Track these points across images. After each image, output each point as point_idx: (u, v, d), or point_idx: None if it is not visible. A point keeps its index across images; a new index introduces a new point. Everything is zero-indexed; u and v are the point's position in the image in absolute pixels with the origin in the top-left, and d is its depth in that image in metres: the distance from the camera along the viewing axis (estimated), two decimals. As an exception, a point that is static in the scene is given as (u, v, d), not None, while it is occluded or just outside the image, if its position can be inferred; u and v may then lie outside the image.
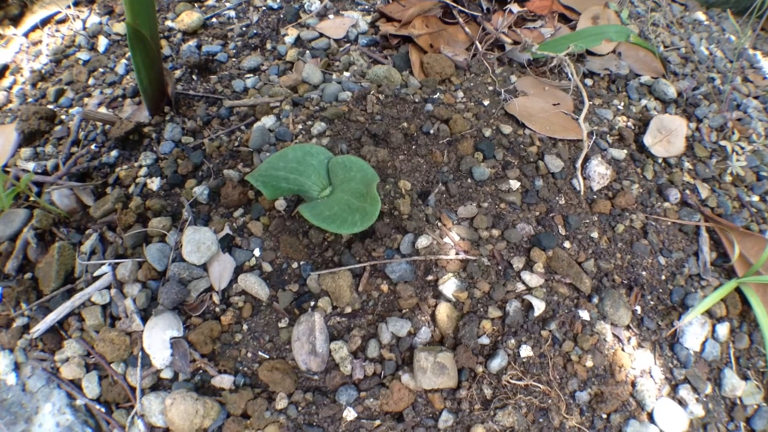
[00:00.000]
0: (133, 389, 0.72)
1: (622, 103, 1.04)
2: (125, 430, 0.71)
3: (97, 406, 0.72)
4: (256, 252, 0.77)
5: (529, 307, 0.74)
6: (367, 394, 0.69)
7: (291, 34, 1.08)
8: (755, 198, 0.98)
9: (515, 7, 1.13)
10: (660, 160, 0.97)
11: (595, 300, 0.77)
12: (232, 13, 1.14)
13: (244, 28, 1.11)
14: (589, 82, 1.07)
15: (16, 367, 0.75)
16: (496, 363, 0.69)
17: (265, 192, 0.70)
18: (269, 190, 0.71)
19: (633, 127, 1.00)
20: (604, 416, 0.71)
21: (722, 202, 0.93)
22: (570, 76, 0.97)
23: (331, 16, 1.12)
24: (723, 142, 1.04)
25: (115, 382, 0.72)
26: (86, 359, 0.74)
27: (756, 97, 1.19)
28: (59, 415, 0.72)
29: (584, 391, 0.71)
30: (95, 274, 0.78)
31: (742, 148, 1.04)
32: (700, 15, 1.37)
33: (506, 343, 0.71)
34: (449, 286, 0.74)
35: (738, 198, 0.96)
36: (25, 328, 0.77)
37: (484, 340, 0.72)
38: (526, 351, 0.71)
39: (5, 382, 0.74)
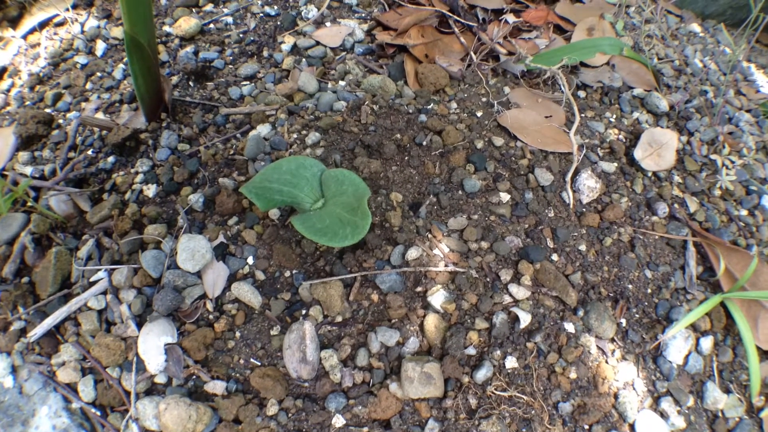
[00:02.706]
0: (127, 393, 0.73)
1: (614, 116, 1.05)
2: (119, 433, 0.72)
3: (93, 410, 0.74)
4: (250, 260, 0.79)
5: (516, 319, 0.75)
6: (355, 401, 0.71)
7: (288, 41, 1.09)
8: (744, 212, 1.00)
9: (511, 18, 1.14)
10: (650, 174, 0.98)
11: (581, 313, 0.79)
12: (230, 20, 1.15)
13: (241, 35, 1.12)
14: (582, 94, 1.08)
15: (14, 370, 0.77)
16: (482, 374, 0.71)
17: (258, 204, 0.72)
18: (262, 202, 0.72)
19: (624, 140, 1.01)
20: (587, 427, 0.73)
21: (710, 216, 0.95)
22: (563, 89, 0.98)
23: (327, 24, 1.12)
24: (713, 156, 1.05)
25: (111, 386, 0.74)
26: (82, 363, 0.76)
27: (748, 111, 1.20)
28: (55, 417, 0.74)
29: (567, 403, 0.73)
30: (91, 279, 0.80)
31: (733, 162, 1.05)
32: (696, 27, 1.38)
33: (492, 354, 0.73)
34: (438, 297, 0.75)
35: (726, 212, 0.98)
36: (23, 332, 0.78)
37: (471, 351, 0.73)
38: (511, 362, 0.73)
39: (2, 384, 0.76)
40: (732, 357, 0.84)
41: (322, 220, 0.69)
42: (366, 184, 0.73)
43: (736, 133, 1.11)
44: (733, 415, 0.81)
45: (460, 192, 0.86)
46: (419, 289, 0.77)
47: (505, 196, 0.86)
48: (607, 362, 0.77)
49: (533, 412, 0.71)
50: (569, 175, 0.90)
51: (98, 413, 0.74)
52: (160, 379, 0.74)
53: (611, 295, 0.83)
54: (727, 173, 1.02)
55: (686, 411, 0.78)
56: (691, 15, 1.43)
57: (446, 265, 0.78)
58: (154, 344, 0.73)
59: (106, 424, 0.73)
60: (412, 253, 0.77)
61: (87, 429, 0.74)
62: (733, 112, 1.16)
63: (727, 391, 0.82)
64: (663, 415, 0.77)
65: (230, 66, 1.06)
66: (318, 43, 1.08)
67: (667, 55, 1.23)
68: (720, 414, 0.81)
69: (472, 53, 1.07)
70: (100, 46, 1.13)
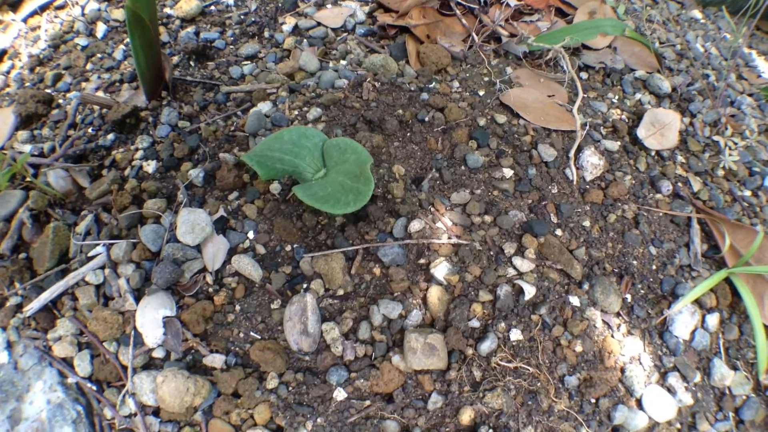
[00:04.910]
0: (124, 368, 0.72)
1: (617, 97, 1.05)
2: (116, 408, 0.71)
3: (89, 385, 0.73)
4: (250, 234, 0.78)
5: (520, 291, 0.74)
6: (357, 374, 0.69)
7: (289, 22, 1.08)
8: (747, 192, 0.99)
9: (512, 1, 1.14)
10: (653, 153, 0.97)
11: (586, 286, 0.78)
12: (231, 1, 1.15)
13: (242, 16, 1.11)
14: (584, 75, 1.08)
15: (9, 345, 0.75)
16: (486, 346, 0.70)
17: (259, 172, 0.71)
18: (264, 171, 0.71)
19: (627, 120, 1.01)
20: (593, 401, 0.72)
21: (714, 195, 0.94)
22: (565, 68, 0.98)
23: (329, 6, 1.12)
24: (716, 137, 1.05)
25: (107, 360, 0.73)
26: (79, 338, 0.75)
27: (750, 95, 1.20)
28: (50, 392, 0.72)
29: (573, 376, 0.72)
30: (90, 254, 0.79)
31: (735, 143, 1.05)
32: (697, 13, 1.39)
33: (496, 326, 0.72)
34: (441, 269, 0.74)
35: (730, 192, 0.97)
36: (19, 307, 0.77)
37: (475, 323, 0.72)
38: (515, 334, 0.71)
39: (-3, 359, 0.75)
40: (738, 335, 0.83)
41: (324, 188, 0.68)
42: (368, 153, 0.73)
43: (739, 116, 1.11)
44: (741, 392, 0.80)
45: (462, 167, 0.85)
46: (422, 261, 0.76)
47: (508, 172, 0.85)
48: (613, 336, 0.76)
49: (539, 384, 0.70)
50: (572, 151, 0.89)
51: (94, 388, 0.72)
52: (158, 354, 0.72)
53: (616, 270, 0.82)
54: (730, 154, 1.02)
55: (693, 388, 0.77)
56: (692, 2, 1.43)
57: (449, 238, 0.77)
58: (152, 318, 0.72)
59: (102, 399, 0.72)
60: (415, 226, 0.76)
61: (82, 404, 0.72)
62: (735, 95, 1.16)
63: (734, 368, 0.81)
64: (670, 390, 0.75)
65: (231, 46, 1.06)
66: (319, 23, 1.08)
67: (668, 40, 1.23)
68: (727, 391, 0.79)
69: (474, 34, 1.07)
70: (100, 28, 1.13)
